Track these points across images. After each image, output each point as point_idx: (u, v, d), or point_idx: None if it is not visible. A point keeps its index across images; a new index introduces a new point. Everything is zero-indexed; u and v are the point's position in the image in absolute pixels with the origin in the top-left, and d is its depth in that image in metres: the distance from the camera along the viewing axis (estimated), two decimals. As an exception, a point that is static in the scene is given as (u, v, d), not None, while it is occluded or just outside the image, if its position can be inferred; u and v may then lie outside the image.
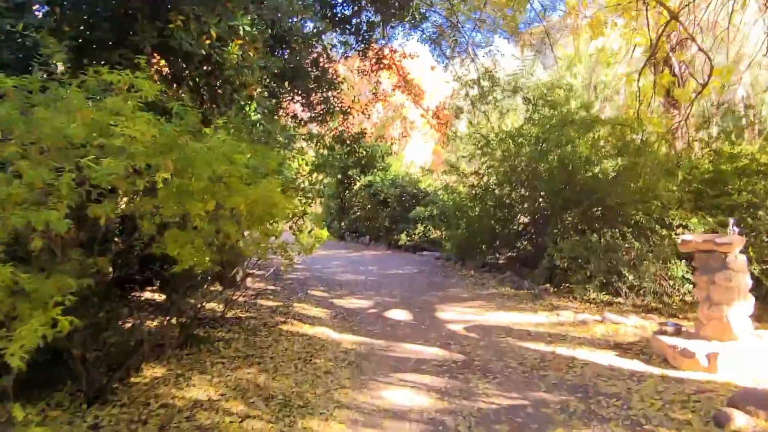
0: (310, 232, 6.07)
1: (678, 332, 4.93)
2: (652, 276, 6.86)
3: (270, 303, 7.86)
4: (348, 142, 8.92)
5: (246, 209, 3.29)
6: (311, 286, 9.56)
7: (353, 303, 8.02)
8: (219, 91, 5.46)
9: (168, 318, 5.05)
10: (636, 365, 4.71)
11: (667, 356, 4.68)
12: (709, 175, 7.81)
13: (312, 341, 5.94)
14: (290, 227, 6.37)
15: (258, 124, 5.60)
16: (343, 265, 12.33)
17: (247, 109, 5.70)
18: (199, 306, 5.91)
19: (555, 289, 8.00)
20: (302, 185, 5.52)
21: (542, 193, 8.49)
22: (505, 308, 7.14)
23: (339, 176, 17.40)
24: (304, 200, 5.91)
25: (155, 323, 5.44)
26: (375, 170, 16.17)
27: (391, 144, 8.88)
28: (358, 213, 17.16)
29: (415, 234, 14.12)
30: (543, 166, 8.29)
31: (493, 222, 10.58)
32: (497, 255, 12.05)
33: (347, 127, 8.88)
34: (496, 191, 10.46)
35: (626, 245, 6.99)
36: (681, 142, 8.97)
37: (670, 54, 8.97)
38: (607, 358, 4.94)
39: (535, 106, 8.45)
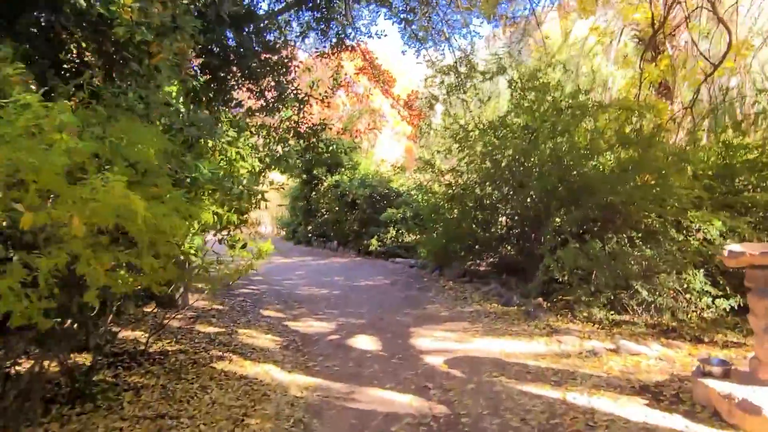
0: (243, 246, 4.70)
1: (727, 373, 3.76)
2: (668, 290, 5.73)
3: (210, 329, 6.45)
4: (305, 135, 7.58)
5: (87, 221, 1.93)
6: (265, 304, 8.17)
7: (312, 326, 6.67)
8: (116, 57, 4.05)
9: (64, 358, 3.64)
10: (678, 422, 3.51)
11: (718, 409, 3.51)
12: (718, 170, 6.77)
13: (251, 387, 4.56)
14: (219, 240, 4.99)
15: (178, 109, 4.21)
16: (306, 276, 10.95)
17: (162, 85, 4.30)
18: (108, 339, 4.53)
19: (549, 305, 6.83)
20: (236, 187, 4.16)
21: (532, 193, 7.30)
22: (493, 332, 5.90)
23: (304, 176, 16.01)
24: (239, 206, 4.52)
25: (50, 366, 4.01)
26: (343, 169, 14.83)
27: (356, 138, 7.51)
28: (326, 216, 15.79)
29: (386, 238, 12.84)
30: (533, 161, 7.13)
31: (474, 225, 9.39)
32: (478, 261, 10.89)
33: (304, 118, 7.54)
34: (477, 190, 9.26)
35: (636, 253, 5.85)
36: (682, 133, 7.92)
37: (681, 28, 7.88)
38: (636, 410, 3.73)
39: (523, 91, 7.26)
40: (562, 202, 6.58)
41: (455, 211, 9.37)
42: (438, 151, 9.31)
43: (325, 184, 14.96)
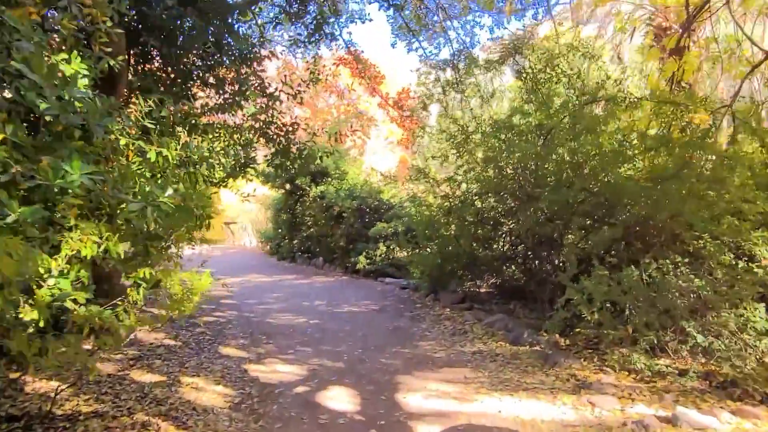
0: (154, 286, 3.44)
1: None
2: (724, 330, 4.50)
3: (147, 377, 5.13)
4: (274, 137, 6.35)
5: None
6: (228, 338, 6.87)
7: (277, 372, 5.38)
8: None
9: None
10: None
11: None
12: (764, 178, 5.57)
13: (173, 479, 3.29)
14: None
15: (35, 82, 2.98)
16: (283, 299, 9.65)
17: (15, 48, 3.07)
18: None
19: (569, 343, 5.59)
20: (134, 201, 2.90)
21: (544, 207, 6.08)
22: (503, 385, 4.62)
23: (287, 186, 14.76)
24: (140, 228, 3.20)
25: None
26: (329, 179, 13.60)
27: (341, 143, 6.29)
28: (311, 230, 14.52)
29: (376, 256, 11.56)
30: (547, 168, 5.91)
31: (473, 243, 8.16)
32: (477, 282, 9.65)
33: (274, 118, 6.31)
34: (477, 203, 8.04)
35: (681, 283, 4.61)
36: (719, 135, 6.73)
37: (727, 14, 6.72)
38: None
39: (536, 82, 6.05)
40: (586, 218, 5.36)
41: (452, 226, 8.14)
42: (433, 158, 8.09)
43: (311, 195, 13.72)
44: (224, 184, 6.73)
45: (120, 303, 3.06)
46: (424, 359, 5.56)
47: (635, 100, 5.27)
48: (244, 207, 21.11)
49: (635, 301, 4.65)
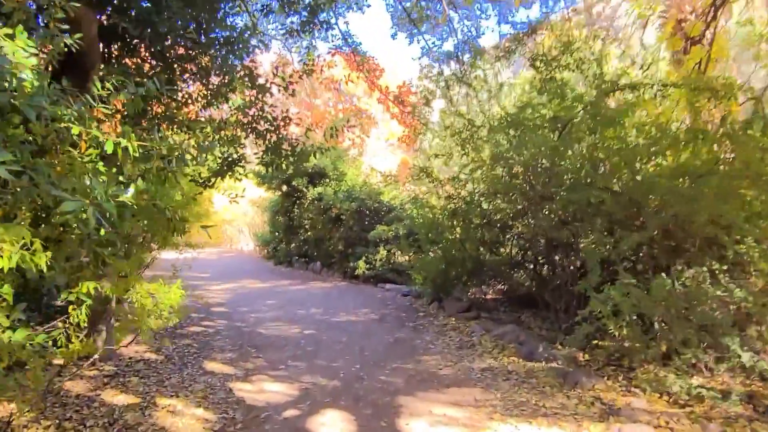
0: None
1: None
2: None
3: (120, 398, 4.60)
4: (264, 133, 5.83)
5: None
6: (215, 350, 6.33)
7: (264, 392, 4.84)
8: None
9: None
10: None
11: None
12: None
13: None
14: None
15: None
16: (278, 306, 9.10)
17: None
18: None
19: (589, 358, 5.05)
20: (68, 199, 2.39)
21: (558, 208, 5.54)
22: (520, 409, 4.08)
23: (284, 188, 14.24)
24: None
25: None
26: (327, 180, 13.08)
27: (332, 135, 5.75)
28: (309, 233, 13.99)
29: (376, 260, 11.02)
30: (564, 165, 5.38)
31: (479, 247, 7.63)
32: (483, 288, 9.11)
33: (260, 109, 5.79)
34: (483, 204, 7.51)
35: (719, 293, 4.07)
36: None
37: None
38: None
39: (551, 68, 5.51)
40: (608, 221, 4.82)
41: (457, 229, 7.60)
42: (436, 156, 7.55)
43: (308, 196, 13.19)
44: (210, 183, 6.22)
45: (61, 325, 2.52)
46: (428, 377, 5.02)
47: (665, 87, 4.74)
48: (240, 209, 20.58)
49: (669, 313, 4.11)
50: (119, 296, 3.15)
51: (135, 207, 2.96)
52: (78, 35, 3.32)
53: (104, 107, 2.84)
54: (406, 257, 10.71)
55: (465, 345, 6.07)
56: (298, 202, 14.07)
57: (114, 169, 3.11)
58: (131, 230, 3.34)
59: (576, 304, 5.83)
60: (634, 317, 4.29)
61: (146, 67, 5.33)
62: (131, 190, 2.88)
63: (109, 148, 2.84)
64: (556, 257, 6.25)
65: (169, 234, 3.85)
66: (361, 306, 8.80)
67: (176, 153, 3.29)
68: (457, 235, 7.58)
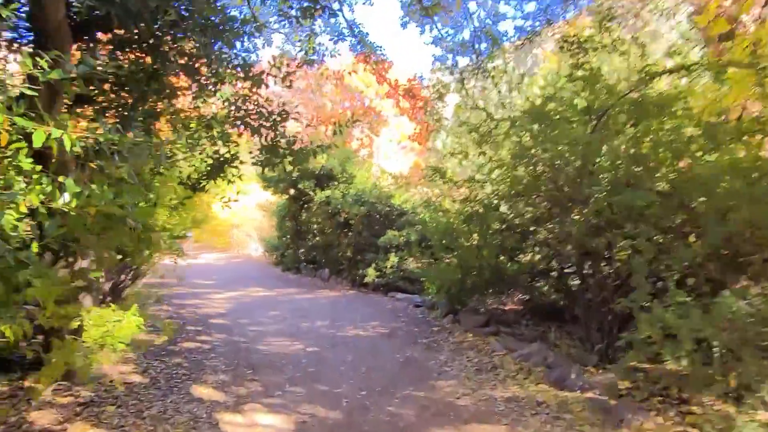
0: None
1: None
2: None
3: (90, 433, 4.01)
4: (258, 128, 5.23)
5: None
6: (207, 371, 5.72)
7: (255, 426, 4.21)
8: None
9: None
10: None
11: None
12: None
13: None
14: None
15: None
16: (281, 318, 8.48)
17: None
18: None
19: (630, 386, 4.34)
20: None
21: (592, 212, 4.83)
22: (556, 456, 3.39)
23: (291, 191, 13.65)
24: None
25: None
26: (336, 183, 12.45)
27: (337, 131, 5.11)
28: (317, 238, 13.38)
29: (386, 268, 10.36)
30: (600, 163, 4.68)
31: (498, 255, 6.95)
32: (501, 298, 8.43)
33: (254, 102, 5.18)
34: (503, 208, 6.82)
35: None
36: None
37: None
38: None
39: (582, 51, 4.80)
40: (656, 227, 4.10)
41: (474, 235, 6.92)
42: (451, 155, 6.88)
43: (315, 200, 12.58)
44: (201, 186, 5.63)
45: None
46: (444, 408, 4.34)
47: (725, 67, 4.02)
48: (249, 214, 20.08)
49: (734, 338, 3.39)
50: (57, 326, 2.54)
51: (75, 215, 2.35)
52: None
53: (30, 87, 2.23)
54: (418, 263, 10.03)
55: (485, 367, 5.37)
56: (305, 206, 13.47)
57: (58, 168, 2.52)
58: (84, 242, 2.72)
59: (611, 321, 5.12)
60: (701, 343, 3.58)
61: (126, 60, 4.76)
62: (67, 195, 2.27)
63: (36, 141, 2.24)
64: (588, 268, 5.53)
65: (136, 247, 3.27)
66: (370, 318, 8.14)
67: (143, 150, 2.67)
68: (474, 242, 6.90)
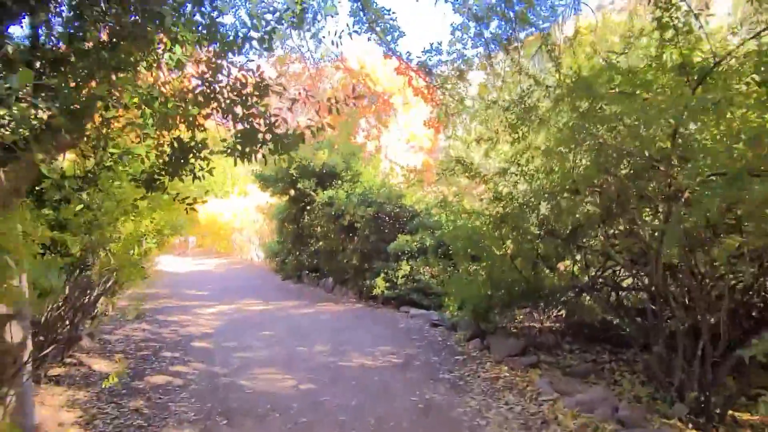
0: None
1: None
2: None
3: None
4: (228, 103, 3.93)
5: None
6: (170, 420, 4.43)
7: None
8: None
9: None
10: None
11: None
12: None
13: None
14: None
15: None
16: (275, 341, 7.17)
17: None
18: None
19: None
20: None
21: (689, 211, 3.46)
22: None
23: (291, 192, 12.37)
24: None
25: None
26: (340, 182, 11.15)
27: (333, 109, 3.79)
28: (320, 243, 12.08)
29: (397, 278, 9.01)
30: (700, 140, 3.31)
31: (536, 265, 5.61)
32: (534, 314, 7.09)
33: (225, 72, 3.88)
34: (541, 207, 5.45)
35: None
36: None
37: None
38: None
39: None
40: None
41: (507, 241, 5.58)
42: (477, 141, 5.52)
43: (317, 201, 11.28)
44: (158, 184, 4.34)
45: None
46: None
47: None
48: (250, 217, 18.87)
49: None
50: None
51: None
52: None
53: None
54: (433, 269, 8.68)
55: (533, 422, 4.00)
56: (307, 208, 12.18)
57: None
58: None
59: (703, 354, 3.75)
60: None
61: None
62: None
63: None
64: (673, 285, 4.16)
65: None
66: (380, 341, 6.80)
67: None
68: (508, 250, 5.55)
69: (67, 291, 5.19)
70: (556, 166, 4.63)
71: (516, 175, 5.28)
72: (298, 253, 13.14)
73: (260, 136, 4.07)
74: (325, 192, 10.79)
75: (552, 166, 4.84)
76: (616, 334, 5.75)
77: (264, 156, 4.22)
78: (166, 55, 3.40)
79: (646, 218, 4.32)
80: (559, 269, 6.37)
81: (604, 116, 3.77)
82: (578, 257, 5.78)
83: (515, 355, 5.61)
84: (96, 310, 7.29)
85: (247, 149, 4.07)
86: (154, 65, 3.70)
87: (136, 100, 3.54)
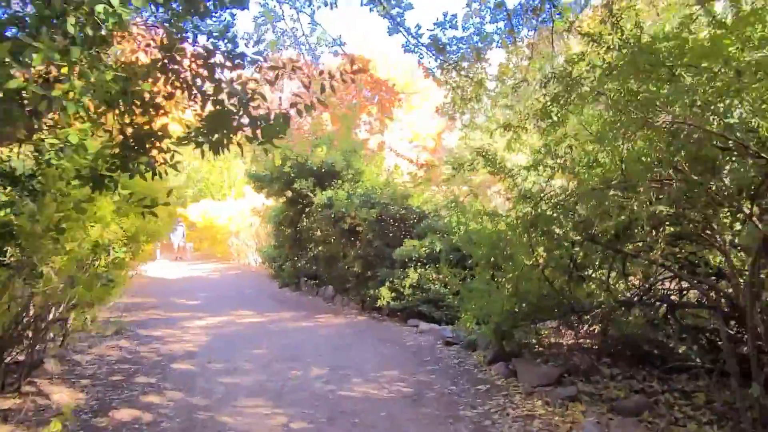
0: None
1: None
2: None
3: None
4: (193, 76, 3.04)
5: None
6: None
7: None
8: None
9: None
10: None
11: None
12: None
13: None
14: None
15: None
16: (266, 362, 6.26)
17: None
18: None
19: None
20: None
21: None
22: None
23: (288, 193, 11.48)
24: None
25: None
26: (340, 182, 10.25)
27: (327, 87, 2.90)
28: (320, 248, 11.17)
29: (404, 287, 8.09)
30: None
31: (571, 276, 4.71)
32: (561, 330, 6.20)
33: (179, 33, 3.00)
34: (579, 207, 4.55)
35: None
36: None
37: None
38: None
39: None
40: None
41: (539, 249, 4.67)
42: (505, 128, 4.60)
43: (316, 203, 10.38)
44: (109, 182, 3.44)
45: None
46: None
47: None
48: (247, 220, 17.99)
49: None
50: None
51: None
52: None
53: None
54: (447, 281, 7.77)
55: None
56: (305, 210, 11.28)
57: None
58: None
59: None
60: None
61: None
62: None
63: None
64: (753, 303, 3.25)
65: None
66: (386, 363, 5.89)
67: None
68: (540, 258, 4.64)
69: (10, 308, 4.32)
70: (606, 157, 3.73)
71: (551, 168, 4.37)
72: (296, 258, 12.25)
73: (234, 119, 3.18)
74: (324, 192, 9.89)
75: (597, 156, 3.92)
76: (662, 355, 4.87)
77: (240, 146, 3.33)
78: (99, 6, 2.50)
79: (725, 221, 3.41)
80: (596, 280, 5.47)
81: (680, 87, 2.86)
82: (624, 266, 4.88)
83: (549, 385, 4.69)
84: (68, 327, 6.45)
85: (216, 136, 3.17)
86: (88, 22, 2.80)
87: (65, 69, 2.64)
